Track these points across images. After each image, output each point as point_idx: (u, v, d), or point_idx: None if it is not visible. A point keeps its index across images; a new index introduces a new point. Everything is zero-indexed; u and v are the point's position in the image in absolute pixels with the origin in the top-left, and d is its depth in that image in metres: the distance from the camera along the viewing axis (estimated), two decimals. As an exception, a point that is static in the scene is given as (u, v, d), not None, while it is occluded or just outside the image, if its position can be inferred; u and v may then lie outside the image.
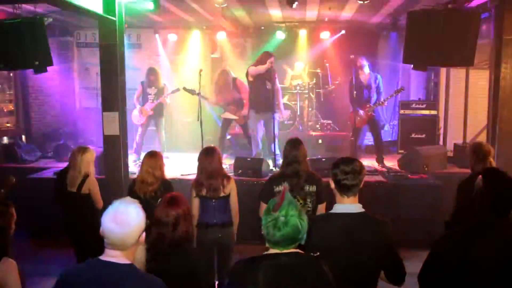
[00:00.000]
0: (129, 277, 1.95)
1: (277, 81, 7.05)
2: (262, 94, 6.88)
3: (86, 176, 4.31)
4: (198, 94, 6.73)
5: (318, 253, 1.99)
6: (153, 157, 4.13)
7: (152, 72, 7.64)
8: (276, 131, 6.95)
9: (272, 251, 1.96)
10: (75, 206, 4.30)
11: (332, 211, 2.49)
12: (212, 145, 4.22)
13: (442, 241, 2.39)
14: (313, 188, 3.64)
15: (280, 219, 1.89)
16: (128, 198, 2.06)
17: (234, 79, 7.40)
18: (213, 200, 3.93)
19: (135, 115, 7.59)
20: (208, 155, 3.98)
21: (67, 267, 2.09)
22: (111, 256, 1.95)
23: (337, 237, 2.36)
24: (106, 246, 1.97)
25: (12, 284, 2.53)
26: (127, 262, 1.97)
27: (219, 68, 8.02)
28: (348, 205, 2.45)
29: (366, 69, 6.94)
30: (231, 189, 4.00)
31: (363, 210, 2.46)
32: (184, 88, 7.12)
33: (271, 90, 6.73)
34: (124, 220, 1.92)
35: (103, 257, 1.97)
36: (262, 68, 6.73)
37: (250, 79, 6.91)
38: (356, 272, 2.35)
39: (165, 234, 2.68)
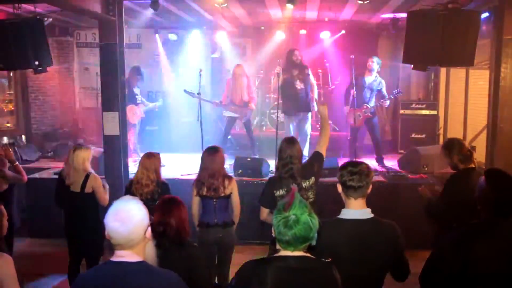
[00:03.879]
0: (142, 274, 1.93)
1: (310, 77, 7.00)
2: (291, 96, 6.88)
3: (88, 174, 4.31)
4: (198, 94, 6.72)
5: (330, 259, 1.96)
6: (149, 158, 4.12)
7: (140, 72, 7.52)
8: (309, 131, 6.99)
9: (283, 253, 1.94)
10: (79, 206, 4.28)
11: (340, 216, 2.44)
12: (217, 145, 4.21)
13: (445, 242, 2.38)
14: (311, 181, 3.61)
15: (291, 217, 1.88)
16: (128, 196, 2.06)
17: (246, 76, 7.39)
18: (214, 200, 3.93)
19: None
20: (210, 155, 3.97)
21: (81, 273, 2.10)
22: (121, 256, 1.94)
23: (344, 245, 2.31)
24: (115, 247, 1.95)
25: (10, 279, 2.52)
26: (138, 259, 1.95)
27: (235, 64, 7.89)
28: (356, 211, 2.40)
29: (374, 72, 6.93)
30: (232, 189, 3.99)
31: (371, 215, 2.41)
32: (185, 91, 7.10)
33: (303, 89, 6.72)
34: (126, 217, 1.91)
35: (113, 259, 1.96)
36: (274, 83, 6.84)
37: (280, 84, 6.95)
38: (363, 277, 2.33)
39: (160, 235, 2.68)
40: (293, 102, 6.90)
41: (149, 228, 2.00)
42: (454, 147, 3.73)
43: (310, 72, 7.06)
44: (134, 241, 1.93)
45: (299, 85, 6.83)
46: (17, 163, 4.69)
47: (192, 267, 2.76)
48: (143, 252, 2.01)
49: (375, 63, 6.90)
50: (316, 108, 7.19)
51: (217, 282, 3.99)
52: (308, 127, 7.06)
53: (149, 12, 6.78)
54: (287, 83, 6.88)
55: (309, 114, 7.07)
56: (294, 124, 7.06)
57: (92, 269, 2.10)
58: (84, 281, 2.02)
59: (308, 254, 1.96)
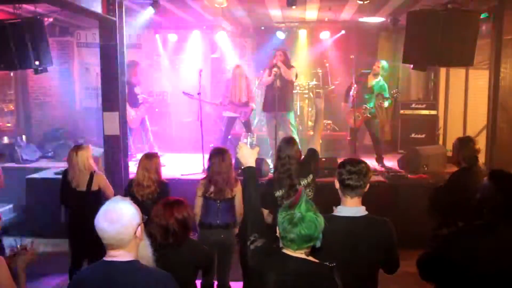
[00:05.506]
0: (132, 273, 1.95)
1: (288, 72, 6.85)
2: (269, 94, 6.93)
3: (93, 173, 4.32)
4: (198, 94, 6.72)
5: (334, 264, 1.95)
6: (149, 159, 4.13)
7: (137, 63, 7.50)
8: (293, 131, 6.94)
9: (286, 250, 1.94)
10: (85, 205, 4.25)
11: (335, 213, 2.46)
12: (224, 147, 4.19)
13: (447, 241, 2.39)
14: (309, 179, 3.60)
15: (297, 215, 1.87)
16: (119, 196, 2.08)
17: (246, 76, 7.40)
18: (218, 202, 3.92)
19: (130, 120, 7.32)
20: (221, 156, 3.93)
21: (77, 273, 2.14)
22: (113, 256, 1.96)
23: (337, 241, 2.31)
24: (106, 247, 1.98)
25: (2, 280, 2.52)
26: (130, 258, 1.97)
27: (234, 64, 7.83)
28: (351, 208, 2.43)
29: (379, 76, 6.91)
30: (237, 191, 3.96)
31: (366, 213, 2.44)
32: (184, 92, 7.11)
33: (279, 88, 6.72)
34: (114, 217, 1.92)
35: (106, 258, 1.98)
36: (268, 80, 6.90)
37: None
38: (356, 273, 2.34)
39: (157, 235, 2.70)
40: (270, 100, 6.96)
41: (139, 228, 2.00)
42: (466, 145, 3.79)
43: (293, 71, 6.97)
44: (124, 241, 1.95)
45: (276, 84, 6.88)
46: None
47: (196, 262, 2.81)
48: (135, 251, 2.02)
49: (381, 68, 6.84)
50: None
51: (216, 283, 3.98)
52: (287, 126, 7.04)
53: (149, 12, 6.78)
54: (271, 82, 6.97)
55: (289, 115, 7.04)
56: (272, 123, 7.07)
57: (86, 268, 2.15)
58: (79, 280, 2.05)
59: (310, 258, 1.95)
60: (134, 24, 7.22)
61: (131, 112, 7.28)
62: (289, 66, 6.96)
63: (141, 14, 7.11)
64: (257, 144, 5.42)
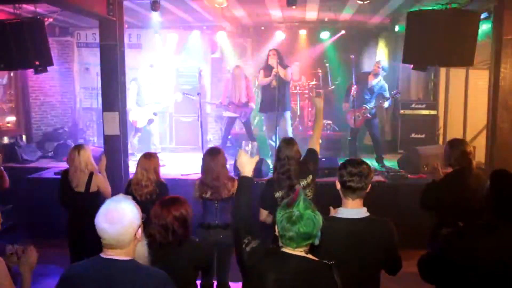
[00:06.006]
0: (131, 272, 1.94)
1: (287, 74, 6.96)
2: (266, 94, 6.97)
3: (92, 173, 4.31)
4: (198, 94, 6.72)
5: (333, 262, 1.95)
6: (148, 159, 4.12)
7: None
8: (289, 131, 7.01)
9: (285, 249, 1.95)
10: (84, 206, 4.22)
11: (336, 215, 2.46)
12: (217, 146, 4.18)
13: (445, 241, 2.39)
14: (309, 179, 3.59)
15: (295, 213, 1.89)
16: (120, 195, 2.05)
17: (245, 77, 7.42)
18: (215, 202, 3.92)
19: (137, 120, 7.38)
20: (212, 156, 3.94)
21: (70, 265, 2.10)
22: (110, 255, 1.95)
23: (339, 243, 2.32)
24: (104, 246, 1.96)
25: (2, 280, 2.52)
26: (127, 258, 1.96)
27: (234, 64, 7.89)
28: (352, 210, 2.42)
29: (379, 76, 6.91)
30: (235, 190, 3.95)
31: (367, 214, 2.43)
32: (184, 93, 7.11)
33: (276, 87, 6.73)
34: (116, 218, 1.90)
35: (103, 255, 1.96)
36: (267, 80, 6.96)
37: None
38: (358, 275, 2.34)
39: (157, 235, 2.70)
40: (267, 100, 7.03)
41: (140, 229, 1.99)
42: (457, 147, 3.75)
43: (288, 71, 7.04)
44: (124, 242, 1.94)
45: (273, 84, 6.92)
46: (1, 168, 4.58)
47: (197, 262, 2.83)
48: (133, 252, 2.01)
49: (381, 68, 6.83)
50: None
51: (216, 283, 3.98)
52: (286, 126, 7.09)
53: (149, 12, 6.79)
54: (269, 82, 7.04)
55: (287, 114, 7.11)
56: (271, 123, 7.09)
57: (82, 262, 2.10)
58: (76, 275, 2.02)
59: (309, 255, 1.96)
60: (135, 24, 7.22)
61: (137, 112, 7.30)
62: (284, 65, 6.98)
63: (141, 14, 7.11)
64: (257, 153, 5.44)
